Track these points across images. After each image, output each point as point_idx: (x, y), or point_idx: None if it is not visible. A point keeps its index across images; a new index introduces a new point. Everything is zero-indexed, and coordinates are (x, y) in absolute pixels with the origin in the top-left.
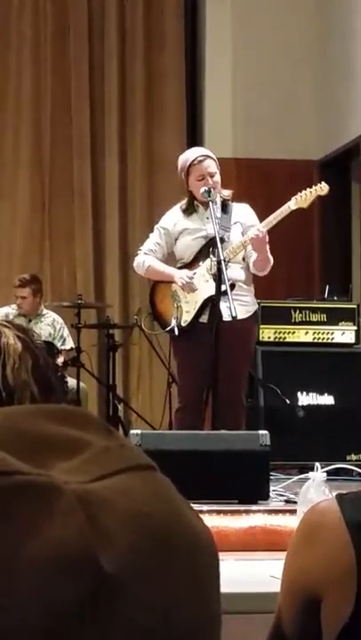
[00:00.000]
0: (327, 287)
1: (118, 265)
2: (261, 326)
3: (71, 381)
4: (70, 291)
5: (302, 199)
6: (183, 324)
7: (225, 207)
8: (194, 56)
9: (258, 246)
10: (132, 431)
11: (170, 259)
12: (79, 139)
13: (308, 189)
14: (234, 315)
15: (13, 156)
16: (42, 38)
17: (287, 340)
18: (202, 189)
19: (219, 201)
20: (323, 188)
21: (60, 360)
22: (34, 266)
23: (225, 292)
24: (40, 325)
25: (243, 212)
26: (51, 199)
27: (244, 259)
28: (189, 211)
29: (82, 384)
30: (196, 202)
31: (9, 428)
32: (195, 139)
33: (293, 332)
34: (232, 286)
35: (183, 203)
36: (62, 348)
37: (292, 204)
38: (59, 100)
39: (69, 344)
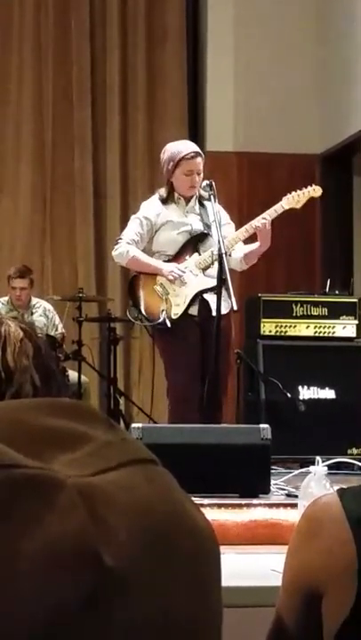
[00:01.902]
0: (328, 281)
1: None
2: (262, 320)
3: (72, 375)
4: (71, 284)
5: (294, 199)
6: (173, 317)
7: (201, 205)
8: (195, 50)
9: (264, 236)
10: (133, 425)
11: (144, 250)
12: (80, 134)
13: (300, 190)
14: (235, 308)
15: (15, 150)
16: (43, 32)
17: (288, 333)
18: (204, 183)
19: (196, 198)
20: (316, 190)
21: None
22: (35, 260)
23: (223, 285)
24: (33, 317)
25: (217, 210)
26: (52, 194)
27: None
28: (169, 201)
29: (83, 377)
30: (177, 194)
31: (11, 422)
32: (196, 132)
33: (294, 326)
34: (224, 280)
35: (162, 191)
36: (57, 334)
37: (284, 204)
38: (60, 95)
39: (61, 329)
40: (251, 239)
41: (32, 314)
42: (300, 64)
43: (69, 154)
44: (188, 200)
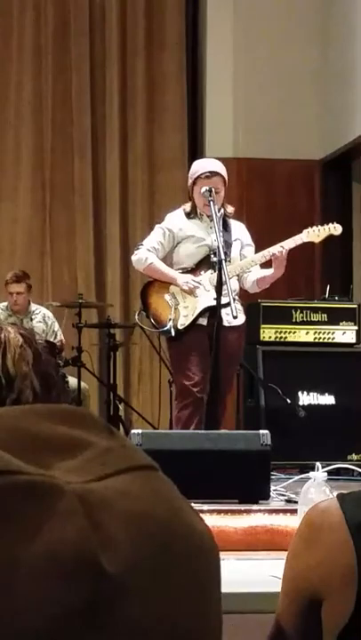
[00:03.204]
0: (328, 287)
1: (119, 264)
2: (262, 326)
3: (72, 381)
4: (71, 290)
5: (315, 233)
6: (180, 327)
7: (225, 224)
8: (195, 55)
9: (279, 264)
10: (132, 431)
11: (165, 261)
12: (80, 138)
13: (320, 226)
14: (235, 314)
15: (14, 156)
16: (43, 38)
17: (288, 339)
18: (203, 189)
19: (220, 215)
20: (336, 229)
21: (61, 354)
22: (35, 265)
23: (223, 290)
24: (32, 323)
25: (241, 230)
26: (52, 199)
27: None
28: (192, 215)
29: (83, 383)
30: (200, 211)
31: (11, 428)
32: (196, 138)
33: (294, 332)
34: (223, 285)
35: (187, 206)
36: (56, 340)
37: (304, 237)
38: (60, 100)
39: (60, 336)
40: (265, 264)
41: (31, 320)
42: (300, 70)
43: (69, 160)
44: (210, 217)
